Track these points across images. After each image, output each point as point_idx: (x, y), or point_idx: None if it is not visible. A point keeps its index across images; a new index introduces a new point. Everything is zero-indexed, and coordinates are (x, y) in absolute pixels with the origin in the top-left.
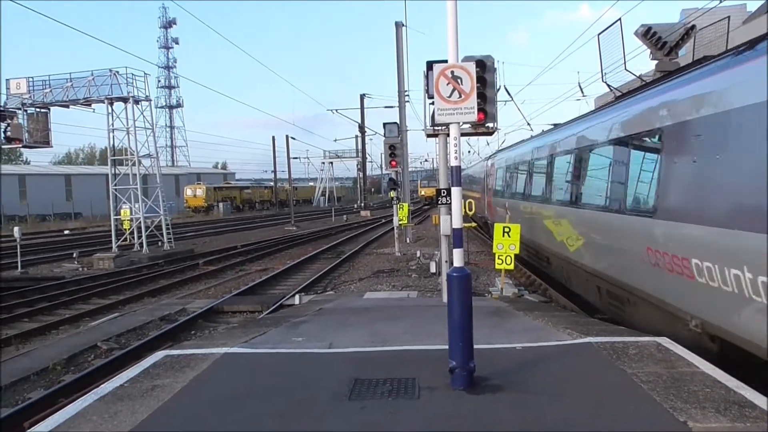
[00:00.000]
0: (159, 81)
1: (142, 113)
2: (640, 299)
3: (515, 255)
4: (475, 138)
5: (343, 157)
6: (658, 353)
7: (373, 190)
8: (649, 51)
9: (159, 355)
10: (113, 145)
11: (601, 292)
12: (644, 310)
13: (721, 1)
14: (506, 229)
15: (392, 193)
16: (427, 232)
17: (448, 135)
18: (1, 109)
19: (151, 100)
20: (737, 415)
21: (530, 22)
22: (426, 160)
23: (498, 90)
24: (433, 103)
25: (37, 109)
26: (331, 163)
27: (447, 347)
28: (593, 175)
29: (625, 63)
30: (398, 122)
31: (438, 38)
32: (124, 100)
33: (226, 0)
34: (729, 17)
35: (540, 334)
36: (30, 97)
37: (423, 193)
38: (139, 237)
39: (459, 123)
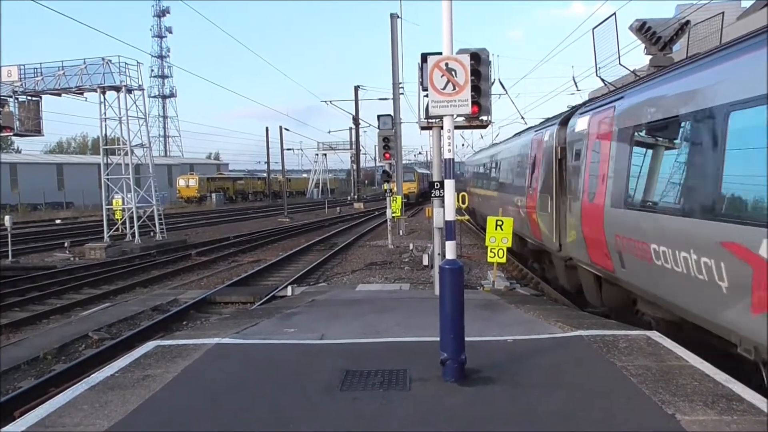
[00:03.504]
0: (152, 70)
1: (134, 102)
2: None
3: (507, 248)
4: (469, 131)
5: (336, 149)
6: (648, 347)
7: (366, 182)
8: (643, 46)
9: (150, 345)
10: (105, 135)
11: None
12: None
13: None
14: (499, 223)
15: (385, 186)
16: (420, 225)
17: (442, 127)
18: None
19: (143, 90)
20: (725, 408)
21: (524, 16)
22: (420, 153)
23: (492, 83)
24: (427, 96)
25: (29, 97)
26: (325, 154)
27: (438, 339)
28: None
29: (619, 57)
30: (392, 114)
31: (433, 31)
32: (117, 89)
33: None
34: (723, 13)
35: (531, 327)
36: (21, 84)
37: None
38: (131, 227)
39: (453, 115)
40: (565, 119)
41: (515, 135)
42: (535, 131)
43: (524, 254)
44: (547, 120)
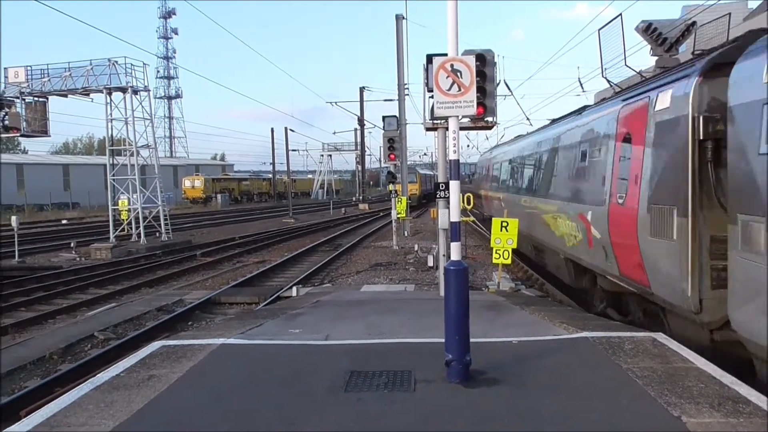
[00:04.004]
0: (158, 71)
1: (140, 103)
2: None
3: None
4: (474, 132)
5: (341, 150)
6: (654, 348)
7: (371, 183)
8: (649, 47)
9: (156, 345)
10: (111, 136)
11: None
12: None
13: None
14: (504, 224)
15: (390, 186)
16: (425, 226)
17: (447, 129)
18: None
19: (149, 91)
20: (731, 410)
21: (529, 17)
22: (425, 154)
23: (498, 84)
24: (432, 97)
25: (36, 98)
26: (330, 155)
27: (443, 340)
28: None
29: (625, 58)
30: (398, 115)
31: (438, 32)
32: (123, 90)
33: None
34: (730, 14)
35: (536, 329)
36: (28, 85)
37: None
38: (137, 227)
39: (458, 116)
40: (714, 66)
41: (569, 115)
42: (624, 100)
43: (581, 287)
44: (641, 83)
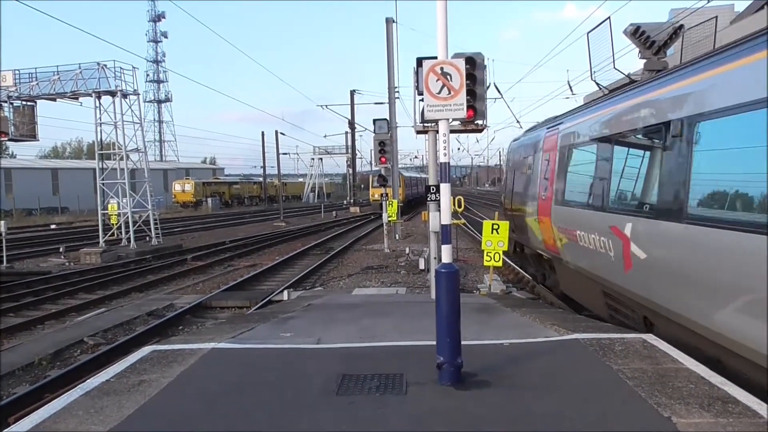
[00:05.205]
0: (147, 75)
1: (130, 107)
2: None
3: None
4: (465, 135)
5: (332, 153)
6: (644, 350)
7: (362, 186)
8: (637, 50)
9: (146, 350)
10: (101, 140)
11: None
12: None
13: (709, 1)
14: (495, 227)
15: (380, 191)
16: (416, 229)
17: (437, 132)
18: None
19: (139, 94)
20: (721, 410)
21: (519, 18)
22: (416, 157)
23: (488, 87)
24: (422, 100)
25: (24, 102)
26: (321, 158)
27: (435, 343)
28: None
29: (614, 61)
30: (388, 118)
31: (429, 35)
32: (112, 93)
33: None
34: (717, 17)
35: (527, 331)
36: (16, 89)
37: (376, 196)
38: (127, 232)
39: (448, 119)
40: None
41: None
42: None
43: None
44: None
